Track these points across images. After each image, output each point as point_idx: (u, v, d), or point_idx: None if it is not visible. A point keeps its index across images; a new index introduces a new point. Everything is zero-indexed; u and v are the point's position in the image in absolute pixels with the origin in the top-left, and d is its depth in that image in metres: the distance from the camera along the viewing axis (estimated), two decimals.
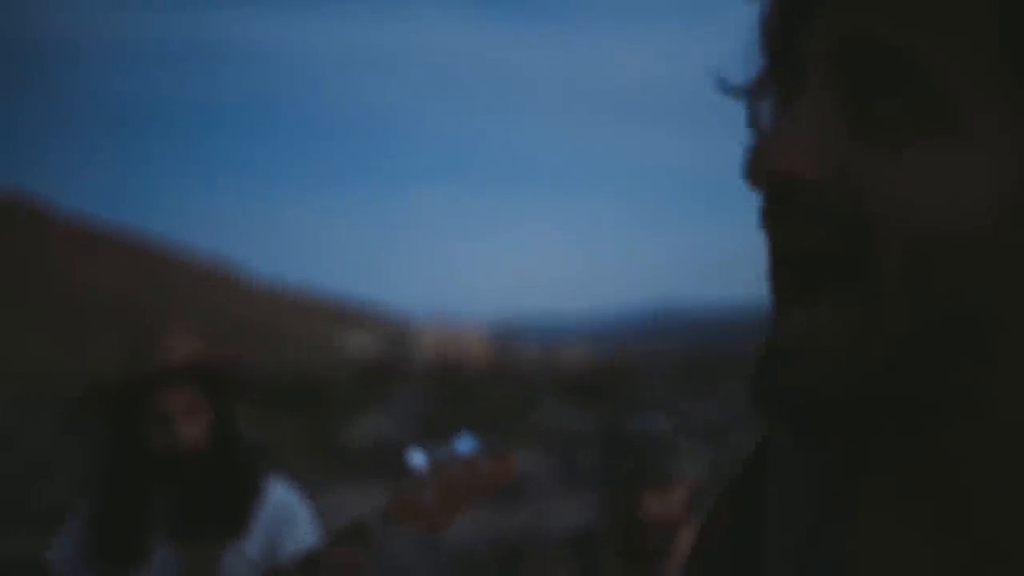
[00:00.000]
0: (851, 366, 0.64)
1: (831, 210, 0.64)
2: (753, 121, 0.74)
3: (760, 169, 0.64)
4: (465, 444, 2.36)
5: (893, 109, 0.64)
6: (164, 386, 2.64)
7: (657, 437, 2.52)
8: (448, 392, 24.95)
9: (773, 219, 0.66)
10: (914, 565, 0.70)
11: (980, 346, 0.65)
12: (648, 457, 2.49)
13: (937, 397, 0.66)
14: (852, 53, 0.65)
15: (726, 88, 0.74)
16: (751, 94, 0.74)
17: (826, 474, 0.77)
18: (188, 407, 2.66)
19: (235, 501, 2.70)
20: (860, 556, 0.73)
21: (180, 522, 2.69)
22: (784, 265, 0.66)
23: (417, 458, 2.34)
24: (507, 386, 26.63)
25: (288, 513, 2.74)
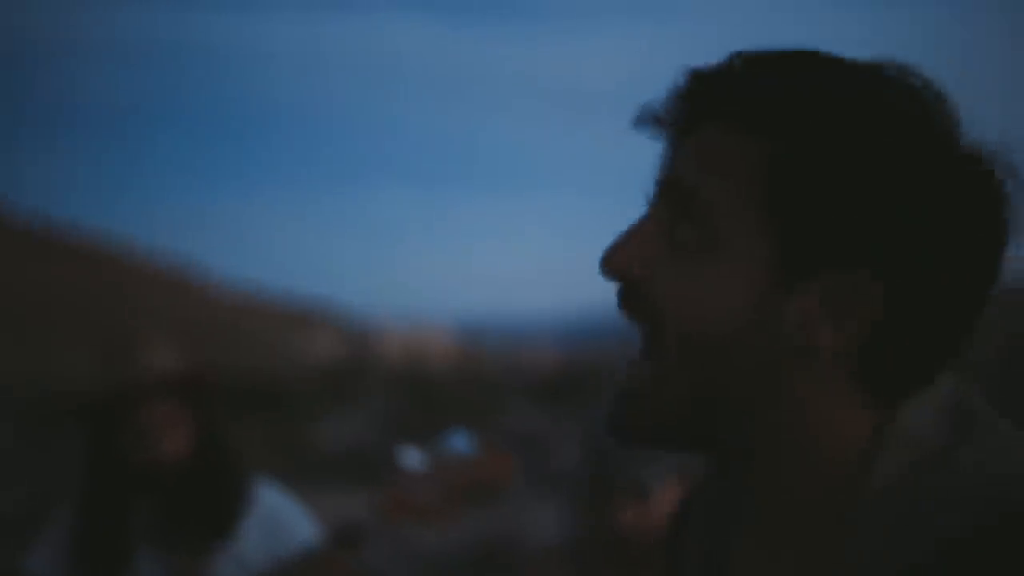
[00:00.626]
0: (652, 407, 0.91)
1: (642, 301, 0.90)
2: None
3: (603, 264, 0.91)
4: (460, 442, 2.43)
5: (689, 231, 0.89)
6: (145, 400, 2.63)
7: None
8: (414, 394, 24.79)
9: (619, 300, 0.92)
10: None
11: (734, 418, 0.90)
12: (625, 467, 2.46)
13: (722, 445, 0.92)
14: (670, 188, 0.91)
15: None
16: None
17: (717, 491, 1.02)
18: (170, 420, 2.65)
19: (220, 507, 2.70)
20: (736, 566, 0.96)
21: (165, 530, 2.68)
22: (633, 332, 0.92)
23: (411, 457, 2.44)
24: (473, 387, 26.49)
25: (283, 515, 2.76)
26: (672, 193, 0.90)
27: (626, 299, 0.91)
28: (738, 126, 0.88)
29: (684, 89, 0.91)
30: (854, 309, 0.86)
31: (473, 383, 27.89)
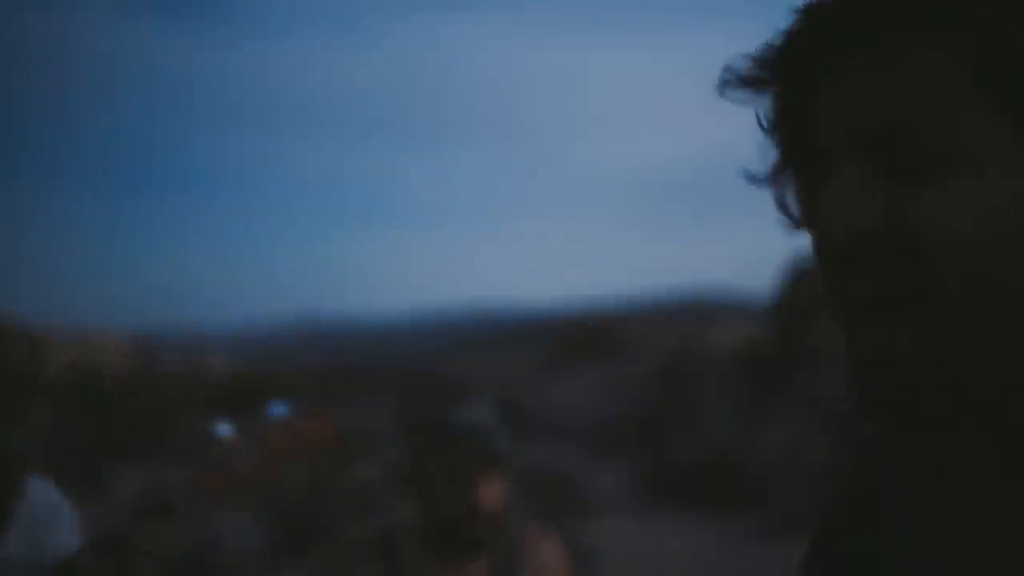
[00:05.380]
0: (935, 370, 0.77)
1: (897, 250, 0.77)
2: (781, 206, 0.87)
3: (830, 235, 0.78)
4: (278, 408, 2.55)
5: (922, 161, 0.78)
6: None
7: (484, 424, 2.48)
8: (86, 405, 24.52)
9: (843, 272, 0.79)
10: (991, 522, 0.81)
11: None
12: (478, 443, 2.44)
13: (1013, 381, 0.78)
14: (872, 135, 0.79)
15: (750, 179, 0.88)
16: (772, 182, 0.87)
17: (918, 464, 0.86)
18: None
19: None
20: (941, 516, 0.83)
21: None
22: (853, 305, 0.80)
23: (223, 429, 2.63)
24: (149, 398, 26.39)
25: (49, 513, 2.66)
26: (878, 139, 0.80)
27: (869, 254, 0.78)
28: (936, 34, 0.79)
29: (838, 22, 0.81)
30: None
31: (149, 393, 27.75)
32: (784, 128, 0.87)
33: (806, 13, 0.83)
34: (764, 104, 0.87)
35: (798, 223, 0.87)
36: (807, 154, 0.85)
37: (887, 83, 0.80)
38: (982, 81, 0.79)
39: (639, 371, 28.77)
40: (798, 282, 23.43)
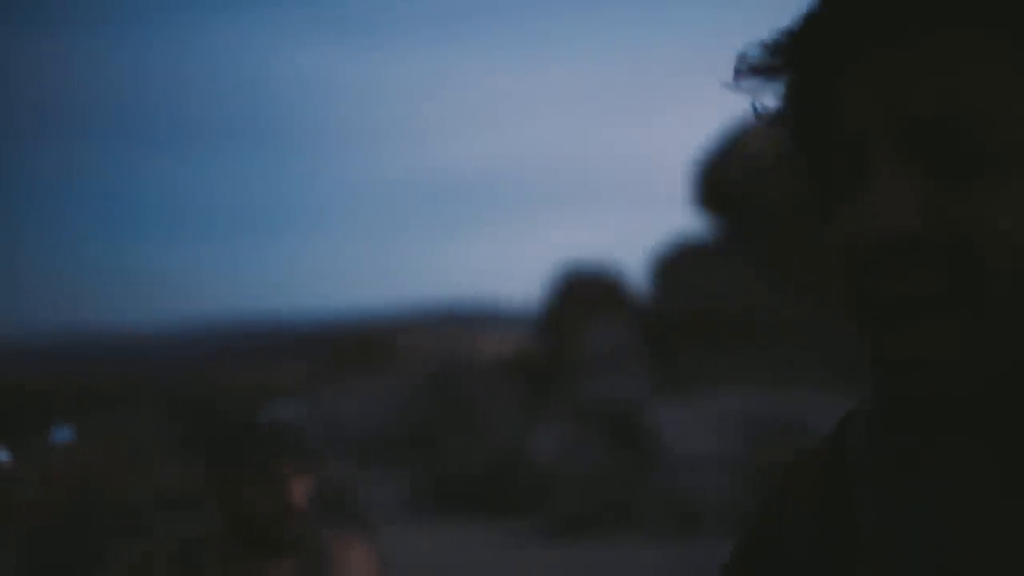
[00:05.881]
0: (974, 371, 0.74)
1: (938, 251, 0.74)
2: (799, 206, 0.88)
3: (872, 235, 0.74)
4: (62, 434, 2.59)
5: (968, 158, 0.73)
6: None
7: (294, 423, 2.44)
8: None
9: (874, 274, 0.75)
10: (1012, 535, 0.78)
11: None
12: (289, 442, 2.40)
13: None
14: (912, 127, 0.75)
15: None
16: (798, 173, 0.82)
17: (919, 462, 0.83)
18: None
19: None
20: (963, 527, 0.80)
21: None
22: (884, 308, 0.76)
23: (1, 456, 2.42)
24: None
25: None
26: (919, 133, 0.75)
27: (913, 257, 0.74)
28: (981, 15, 0.74)
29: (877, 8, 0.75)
30: None
31: None
32: (801, 119, 0.83)
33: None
34: (775, 94, 0.83)
35: (816, 220, 0.82)
36: (828, 147, 0.80)
37: (928, 69, 0.75)
38: None
39: (412, 380, 29.19)
40: (564, 292, 24.29)
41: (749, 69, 0.81)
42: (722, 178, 20.37)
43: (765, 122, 0.83)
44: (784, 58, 0.81)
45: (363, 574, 2.53)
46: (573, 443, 18.30)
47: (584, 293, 23.71)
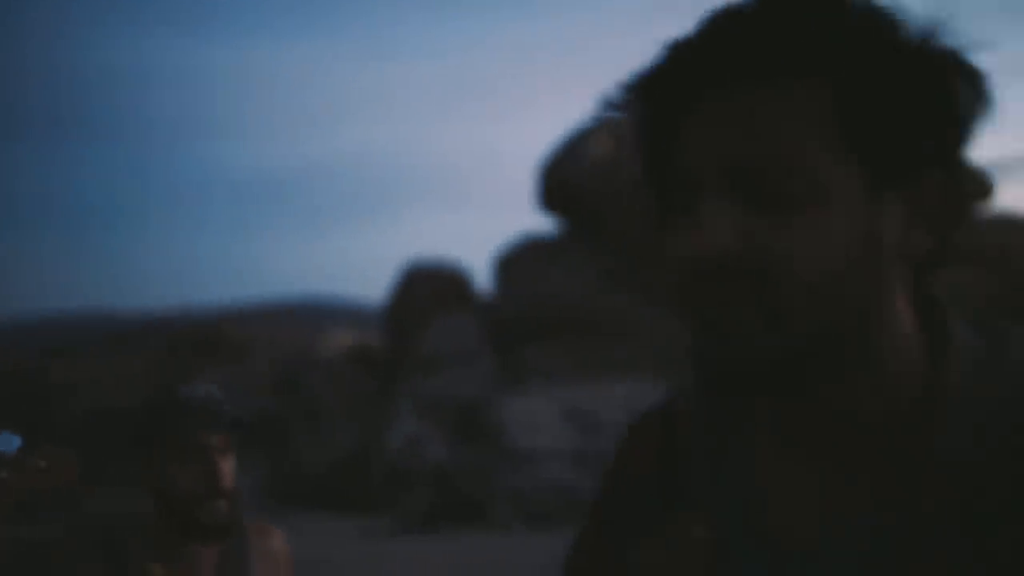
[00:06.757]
0: (765, 353, 0.90)
1: (744, 269, 0.89)
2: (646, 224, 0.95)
3: (696, 254, 0.90)
4: (7, 442, 2.27)
5: (776, 196, 0.89)
6: None
7: (217, 398, 2.36)
8: None
9: (698, 287, 0.91)
10: (802, 490, 0.97)
11: (845, 342, 0.92)
12: (215, 417, 2.31)
13: (822, 369, 0.92)
14: (732, 170, 0.90)
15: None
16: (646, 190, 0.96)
17: (735, 423, 1.03)
18: None
19: None
20: (764, 482, 1.00)
21: None
22: (702, 309, 0.92)
23: None
24: None
25: None
26: (743, 169, 0.89)
27: (726, 273, 0.89)
28: (795, 77, 0.88)
29: (706, 59, 0.90)
30: (945, 206, 0.92)
31: None
32: (649, 149, 0.96)
33: (673, 48, 0.92)
34: (637, 127, 0.96)
35: (656, 231, 0.96)
36: (669, 174, 0.94)
37: (747, 122, 0.89)
38: (839, 120, 0.89)
39: (257, 375, 28.99)
40: (410, 288, 24.40)
41: (610, 105, 0.96)
42: (565, 179, 20.86)
43: (607, 129, 1.10)
44: (638, 96, 0.95)
45: (282, 563, 2.49)
46: (421, 438, 18.41)
47: (430, 289, 23.86)
